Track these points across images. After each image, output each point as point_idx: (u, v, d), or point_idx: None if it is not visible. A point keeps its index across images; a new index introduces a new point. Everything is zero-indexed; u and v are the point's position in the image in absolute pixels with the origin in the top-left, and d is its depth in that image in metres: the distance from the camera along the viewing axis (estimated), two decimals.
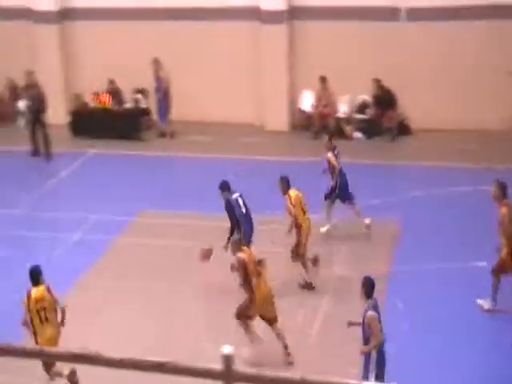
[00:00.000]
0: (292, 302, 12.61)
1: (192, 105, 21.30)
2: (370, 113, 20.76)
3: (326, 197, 14.81)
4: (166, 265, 14.07)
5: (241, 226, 12.84)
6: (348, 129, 20.72)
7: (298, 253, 13.00)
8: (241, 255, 11.12)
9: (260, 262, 11.22)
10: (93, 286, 13.40)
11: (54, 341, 10.07)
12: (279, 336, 11.07)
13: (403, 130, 20.50)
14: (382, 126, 20.57)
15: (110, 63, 21.56)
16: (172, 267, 13.96)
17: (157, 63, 20.55)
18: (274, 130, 20.88)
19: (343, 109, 21.02)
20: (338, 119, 20.86)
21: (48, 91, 21.21)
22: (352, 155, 17.18)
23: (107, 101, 21.26)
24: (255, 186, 15.95)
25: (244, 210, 12.91)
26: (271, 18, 20.62)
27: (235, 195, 12.97)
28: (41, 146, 19.69)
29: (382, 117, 20.52)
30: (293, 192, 12.96)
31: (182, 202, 16.50)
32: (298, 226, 12.90)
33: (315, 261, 13.22)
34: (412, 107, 20.52)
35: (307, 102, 21.17)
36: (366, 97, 20.78)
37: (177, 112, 20.80)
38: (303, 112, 21.28)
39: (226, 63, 21.31)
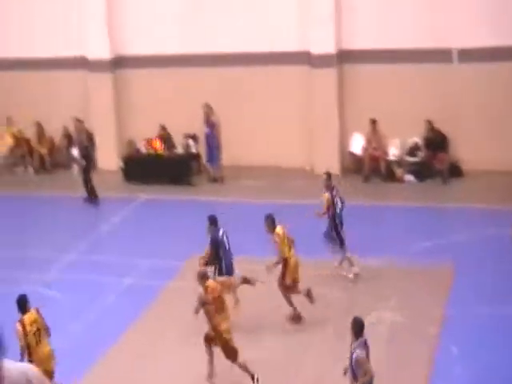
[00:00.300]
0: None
1: (242, 149, 21.47)
2: (421, 155, 20.63)
3: (332, 239, 14.87)
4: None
5: (221, 260, 13.46)
6: (399, 171, 20.60)
7: (283, 284, 13.39)
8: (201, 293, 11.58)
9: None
10: (144, 332, 13.42)
11: (51, 357, 10.75)
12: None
13: (455, 171, 20.29)
14: (434, 168, 20.39)
15: (161, 109, 21.92)
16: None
17: (208, 108, 20.80)
18: None
19: (394, 151, 20.93)
20: (389, 162, 20.77)
21: (101, 138, 21.69)
22: (403, 198, 17.06)
23: (159, 146, 21.55)
24: (304, 230, 15.85)
25: (227, 246, 13.55)
26: (321, 61, 20.74)
27: (221, 231, 13.60)
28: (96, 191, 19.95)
29: (434, 159, 20.36)
30: (279, 229, 13.36)
31: (233, 246, 16.43)
32: (284, 260, 13.32)
33: (309, 294, 13.48)
34: (463, 149, 20.34)
35: (358, 145, 21.14)
36: (417, 139, 20.66)
37: (227, 157, 20.97)
38: (354, 155, 21.24)
39: (277, 107, 21.45)
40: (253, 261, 15.35)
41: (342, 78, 21.00)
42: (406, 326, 12.26)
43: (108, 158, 22.13)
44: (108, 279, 15.58)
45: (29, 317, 10.71)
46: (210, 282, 11.69)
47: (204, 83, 21.60)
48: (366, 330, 9.70)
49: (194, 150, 21.78)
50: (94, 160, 21.67)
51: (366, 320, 11.92)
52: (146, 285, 15.10)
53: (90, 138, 21.57)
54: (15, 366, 4.42)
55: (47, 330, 10.89)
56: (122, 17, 22.15)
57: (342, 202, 14.96)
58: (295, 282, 13.42)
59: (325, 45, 20.73)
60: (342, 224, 14.85)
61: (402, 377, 10.00)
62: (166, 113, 21.83)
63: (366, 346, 9.63)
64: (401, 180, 20.34)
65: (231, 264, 13.62)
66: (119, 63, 22.48)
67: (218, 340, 11.47)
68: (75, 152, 22.01)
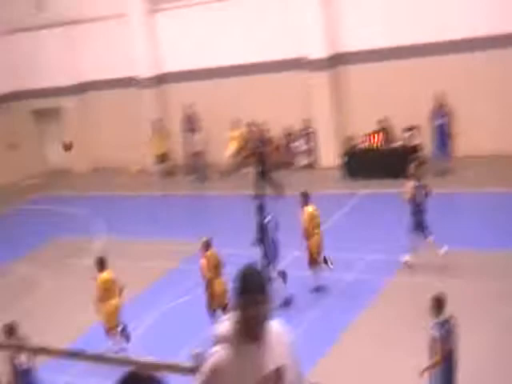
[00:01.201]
0: None
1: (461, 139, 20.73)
2: None
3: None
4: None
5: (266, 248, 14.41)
6: None
7: (312, 260, 14.76)
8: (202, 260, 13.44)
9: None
10: (368, 327, 13.31)
11: (118, 310, 13.54)
12: None
13: None
14: None
15: (381, 103, 21.72)
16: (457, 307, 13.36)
17: (440, 98, 20.22)
18: None
19: None
20: None
21: (322, 136, 21.98)
22: None
23: (378, 141, 21.36)
24: None
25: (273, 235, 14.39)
26: None
27: (267, 219, 14.38)
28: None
29: None
30: (310, 207, 14.63)
31: (457, 240, 15.86)
32: (307, 236, 14.63)
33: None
34: None
35: None
36: None
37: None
38: None
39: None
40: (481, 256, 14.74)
41: None
42: None
43: (328, 155, 22.33)
44: (331, 275, 15.62)
45: (105, 275, 13.54)
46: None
47: (432, 73, 21.05)
48: None
49: (415, 142, 21.28)
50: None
51: None
52: (369, 280, 14.97)
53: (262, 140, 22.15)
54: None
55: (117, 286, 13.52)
56: (338, 16, 22.34)
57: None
58: None
59: None
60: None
61: None
62: (384, 106, 21.62)
63: (446, 325, 9.29)
64: None
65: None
66: (336, 61, 22.62)
67: None
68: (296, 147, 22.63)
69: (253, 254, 16.65)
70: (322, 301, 14.48)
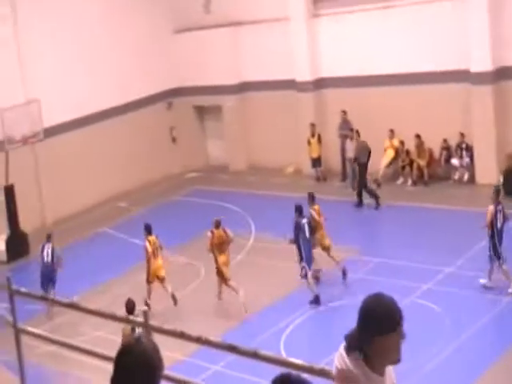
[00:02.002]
0: None
1: None
2: None
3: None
4: None
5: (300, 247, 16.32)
6: None
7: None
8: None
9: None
10: None
11: (228, 263, 16.70)
12: None
13: None
14: None
15: None
16: None
17: None
18: None
19: None
20: None
21: (481, 151, 21.82)
22: None
23: None
24: None
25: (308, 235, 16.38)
26: None
27: (304, 220, 16.42)
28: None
29: None
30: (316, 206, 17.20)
31: None
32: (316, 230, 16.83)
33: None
34: None
35: None
36: None
37: None
38: None
39: None
40: None
41: None
42: None
43: (486, 171, 22.13)
44: (484, 296, 15.66)
45: (217, 232, 16.54)
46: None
47: None
48: None
49: None
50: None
51: None
52: None
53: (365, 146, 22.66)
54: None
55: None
56: (503, 29, 22.08)
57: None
58: None
59: None
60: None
61: None
62: None
63: None
64: None
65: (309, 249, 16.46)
66: (501, 75, 22.36)
67: None
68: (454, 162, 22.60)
69: (408, 263, 17.00)
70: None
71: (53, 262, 18.00)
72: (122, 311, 12.41)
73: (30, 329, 7.44)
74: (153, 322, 5.77)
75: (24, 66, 24.43)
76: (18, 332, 7.32)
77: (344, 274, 16.90)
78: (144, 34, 27.99)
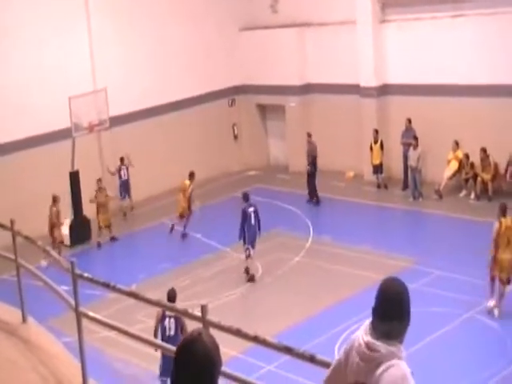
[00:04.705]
0: None
1: None
2: None
3: None
4: None
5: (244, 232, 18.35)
6: None
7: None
8: None
9: None
10: None
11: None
12: None
13: None
14: None
15: None
16: None
17: None
18: None
19: None
20: None
21: None
22: None
23: None
24: None
25: (253, 222, 18.29)
26: None
27: (251, 209, 18.31)
28: None
29: None
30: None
31: None
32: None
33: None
34: None
35: None
36: None
37: None
38: None
39: None
40: None
41: None
42: None
43: None
44: None
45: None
46: None
47: None
48: None
49: None
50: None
51: None
52: None
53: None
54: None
55: None
56: None
57: None
58: None
59: None
60: None
61: None
62: None
63: None
64: None
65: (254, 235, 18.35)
66: None
67: None
68: None
69: (468, 278, 16.72)
70: None
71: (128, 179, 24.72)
72: (179, 303, 12.54)
73: (91, 313, 7.57)
74: (210, 317, 5.81)
75: (95, 57, 24.89)
76: (80, 316, 7.47)
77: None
78: (210, 30, 28.23)
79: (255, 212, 18.53)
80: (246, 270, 18.73)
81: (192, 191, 22.18)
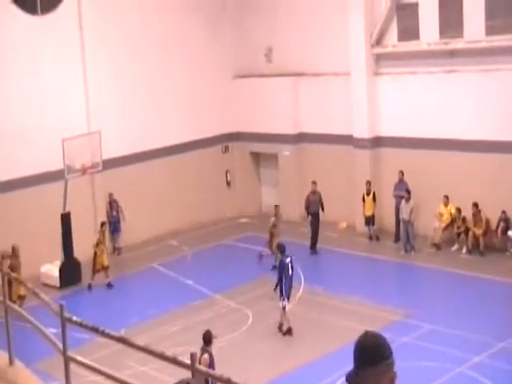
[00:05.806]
0: None
1: None
2: None
3: None
4: None
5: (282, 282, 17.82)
6: None
7: None
8: None
9: None
10: None
11: None
12: None
13: None
14: None
15: None
16: None
17: None
18: None
19: None
20: None
21: None
22: None
23: None
24: None
25: (290, 272, 17.90)
26: None
27: (288, 259, 17.95)
28: None
29: None
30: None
31: None
32: None
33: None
34: None
35: None
36: None
37: None
38: None
39: None
40: None
41: None
42: None
43: None
44: None
45: None
46: None
47: None
48: None
49: None
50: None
51: None
52: None
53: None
54: None
55: None
56: None
57: None
58: None
59: None
60: None
61: None
62: None
63: None
64: None
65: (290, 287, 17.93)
66: None
67: None
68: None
69: (459, 332, 16.60)
70: None
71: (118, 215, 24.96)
72: (168, 350, 12.38)
73: (79, 358, 7.44)
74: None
75: (90, 100, 25.03)
76: (68, 360, 7.34)
77: None
78: (205, 77, 28.46)
79: (291, 263, 18.12)
80: (280, 325, 18.18)
81: (273, 226, 23.15)
